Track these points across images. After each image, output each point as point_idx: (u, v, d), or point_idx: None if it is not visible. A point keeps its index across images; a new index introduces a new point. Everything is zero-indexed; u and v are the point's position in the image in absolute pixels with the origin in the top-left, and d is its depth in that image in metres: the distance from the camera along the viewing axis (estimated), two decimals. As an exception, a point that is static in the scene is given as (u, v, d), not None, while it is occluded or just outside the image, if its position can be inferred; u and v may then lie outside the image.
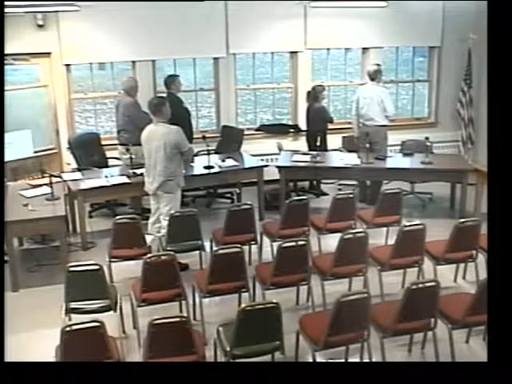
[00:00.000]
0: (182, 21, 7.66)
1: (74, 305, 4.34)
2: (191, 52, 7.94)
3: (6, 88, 6.79)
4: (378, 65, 7.61)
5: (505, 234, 2.95)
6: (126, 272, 5.32)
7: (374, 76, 7.43)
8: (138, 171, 6.46)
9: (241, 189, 7.61)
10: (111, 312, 4.37)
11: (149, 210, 6.14)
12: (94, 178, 6.48)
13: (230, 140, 7.81)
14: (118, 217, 5.34)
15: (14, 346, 4.23)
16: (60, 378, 2.79)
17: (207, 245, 5.58)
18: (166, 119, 5.63)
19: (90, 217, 7.08)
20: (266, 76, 10.52)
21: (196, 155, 7.16)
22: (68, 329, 3.44)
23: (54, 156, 7.64)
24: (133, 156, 6.55)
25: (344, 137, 8.21)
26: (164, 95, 6.96)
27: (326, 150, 7.78)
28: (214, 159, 7.09)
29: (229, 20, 7.86)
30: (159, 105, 5.62)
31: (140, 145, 5.88)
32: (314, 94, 7.76)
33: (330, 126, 7.96)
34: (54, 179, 5.95)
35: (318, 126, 7.74)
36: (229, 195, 7.85)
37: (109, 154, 7.41)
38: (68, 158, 7.62)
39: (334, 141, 8.05)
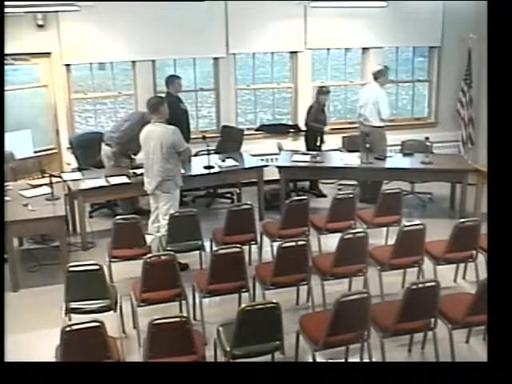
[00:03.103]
0: (182, 21, 7.66)
1: (74, 305, 4.34)
2: (191, 52, 7.94)
3: (6, 88, 6.79)
4: (386, 66, 7.56)
5: (505, 234, 2.95)
6: (126, 272, 5.31)
7: (377, 76, 7.42)
8: (138, 171, 6.46)
9: (241, 189, 7.61)
10: (111, 312, 4.37)
11: (144, 211, 6.19)
12: (93, 178, 6.48)
13: (229, 140, 7.82)
14: (117, 217, 5.34)
15: (14, 345, 4.22)
16: (60, 378, 2.79)
17: (207, 245, 5.58)
18: (163, 119, 5.64)
19: (91, 217, 7.08)
20: (266, 76, 10.53)
21: (196, 155, 7.19)
22: (68, 329, 3.44)
23: (54, 156, 7.64)
24: (132, 156, 6.57)
25: (344, 137, 8.21)
26: (163, 95, 6.98)
27: (321, 150, 7.79)
28: (214, 159, 7.09)
29: (229, 20, 7.86)
30: (157, 104, 5.63)
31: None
32: (317, 95, 7.74)
33: (330, 126, 7.97)
34: (54, 179, 5.95)
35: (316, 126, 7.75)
36: (229, 195, 7.85)
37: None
38: (68, 158, 7.62)
39: (334, 141, 8.05)
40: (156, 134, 5.56)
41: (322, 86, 7.85)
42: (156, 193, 5.71)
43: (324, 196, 7.80)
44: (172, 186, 5.69)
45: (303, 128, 8.13)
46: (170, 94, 7.14)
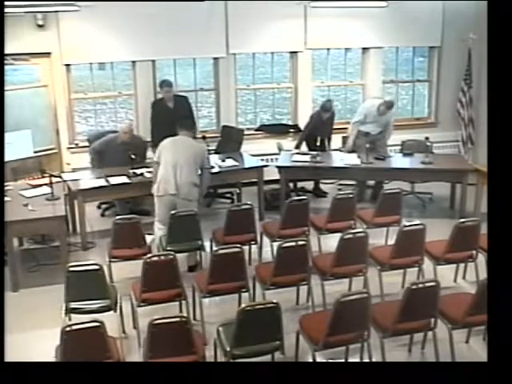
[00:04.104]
0: (182, 21, 7.66)
1: (73, 305, 4.34)
2: (191, 52, 7.94)
3: (6, 88, 6.79)
4: (391, 104, 7.46)
5: (505, 234, 2.95)
6: (125, 272, 5.31)
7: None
8: (138, 171, 6.47)
9: (241, 189, 7.61)
10: (111, 312, 4.37)
11: (144, 211, 6.19)
12: (94, 178, 6.48)
13: (229, 140, 7.81)
14: (117, 217, 5.34)
15: (14, 345, 4.21)
16: (60, 378, 2.79)
17: (207, 245, 5.58)
18: (190, 136, 5.84)
19: (103, 215, 7.16)
20: (266, 76, 10.51)
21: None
22: (68, 329, 3.44)
23: (54, 156, 7.63)
24: (132, 156, 6.59)
25: (344, 137, 8.21)
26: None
27: (325, 150, 7.80)
28: (214, 159, 7.08)
29: (229, 20, 7.85)
30: (188, 121, 5.83)
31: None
32: (320, 109, 7.71)
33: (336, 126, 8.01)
34: (54, 179, 5.95)
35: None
36: (229, 195, 7.84)
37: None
38: (68, 158, 7.63)
39: (334, 141, 8.04)
40: (187, 145, 5.68)
41: (327, 100, 7.77)
42: (177, 200, 5.58)
43: (324, 195, 7.76)
44: (196, 193, 5.67)
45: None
46: (161, 99, 7.37)
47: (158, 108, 7.29)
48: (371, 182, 7.81)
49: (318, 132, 7.75)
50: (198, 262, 5.67)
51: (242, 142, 7.76)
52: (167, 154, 5.65)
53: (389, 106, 7.39)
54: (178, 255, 4.53)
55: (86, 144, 7.47)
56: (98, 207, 7.32)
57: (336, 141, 8.10)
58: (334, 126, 8.14)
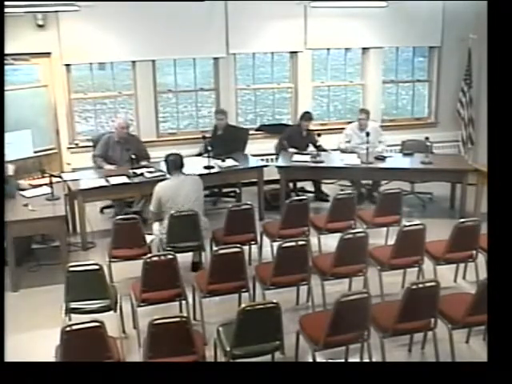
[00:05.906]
0: (182, 21, 7.66)
1: (73, 305, 4.34)
2: (191, 52, 7.94)
3: (6, 88, 6.78)
4: (365, 110, 7.66)
5: (505, 234, 2.95)
6: (126, 272, 5.31)
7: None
8: (138, 171, 6.47)
9: (241, 189, 7.60)
10: (111, 312, 4.37)
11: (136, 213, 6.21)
12: (94, 178, 6.48)
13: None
14: (117, 217, 5.34)
15: (14, 346, 4.22)
16: (60, 378, 2.79)
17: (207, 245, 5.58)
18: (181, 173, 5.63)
19: (102, 212, 7.18)
20: (266, 76, 10.51)
21: (200, 155, 7.20)
22: (68, 329, 3.44)
23: (54, 156, 7.63)
24: (132, 156, 6.59)
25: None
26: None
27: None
28: (215, 159, 7.07)
29: (229, 20, 7.85)
30: (181, 160, 5.61)
31: None
32: (300, 119, 7.69)
33: (330, 126, 7.95)
34: (54, 179, 5.95)
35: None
36: (233, 194, 7.79)
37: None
38: (68, 158, 7.63)
39: (334, 141, 8.04)
40: (190, 185, 5.54)
41: (306, 112, 7.74)
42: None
43: (327, 199, 7.57)
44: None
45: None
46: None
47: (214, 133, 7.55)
48: (370, 182, 7.82)
49: (295, 144, 7.65)
50: (201, 259, 5.67)
51: (247, 142, 7.74)
52: (170, 199, 5.41)
53: (363, 110, 7.62)
54: (178, 255, 4.52)
55: (86, 144, 7.49)
56: (101, 211, 7.28)
57: (336, 141, 8.08)
58: (334, 126, 8.15)
